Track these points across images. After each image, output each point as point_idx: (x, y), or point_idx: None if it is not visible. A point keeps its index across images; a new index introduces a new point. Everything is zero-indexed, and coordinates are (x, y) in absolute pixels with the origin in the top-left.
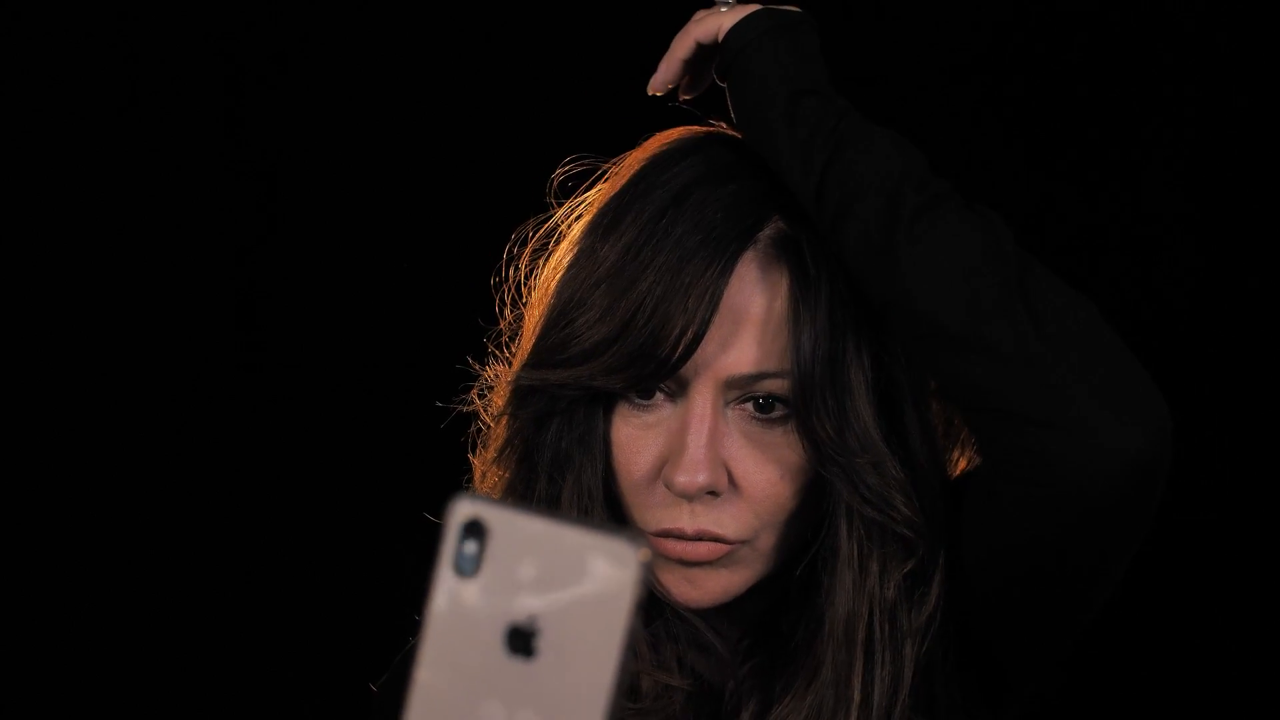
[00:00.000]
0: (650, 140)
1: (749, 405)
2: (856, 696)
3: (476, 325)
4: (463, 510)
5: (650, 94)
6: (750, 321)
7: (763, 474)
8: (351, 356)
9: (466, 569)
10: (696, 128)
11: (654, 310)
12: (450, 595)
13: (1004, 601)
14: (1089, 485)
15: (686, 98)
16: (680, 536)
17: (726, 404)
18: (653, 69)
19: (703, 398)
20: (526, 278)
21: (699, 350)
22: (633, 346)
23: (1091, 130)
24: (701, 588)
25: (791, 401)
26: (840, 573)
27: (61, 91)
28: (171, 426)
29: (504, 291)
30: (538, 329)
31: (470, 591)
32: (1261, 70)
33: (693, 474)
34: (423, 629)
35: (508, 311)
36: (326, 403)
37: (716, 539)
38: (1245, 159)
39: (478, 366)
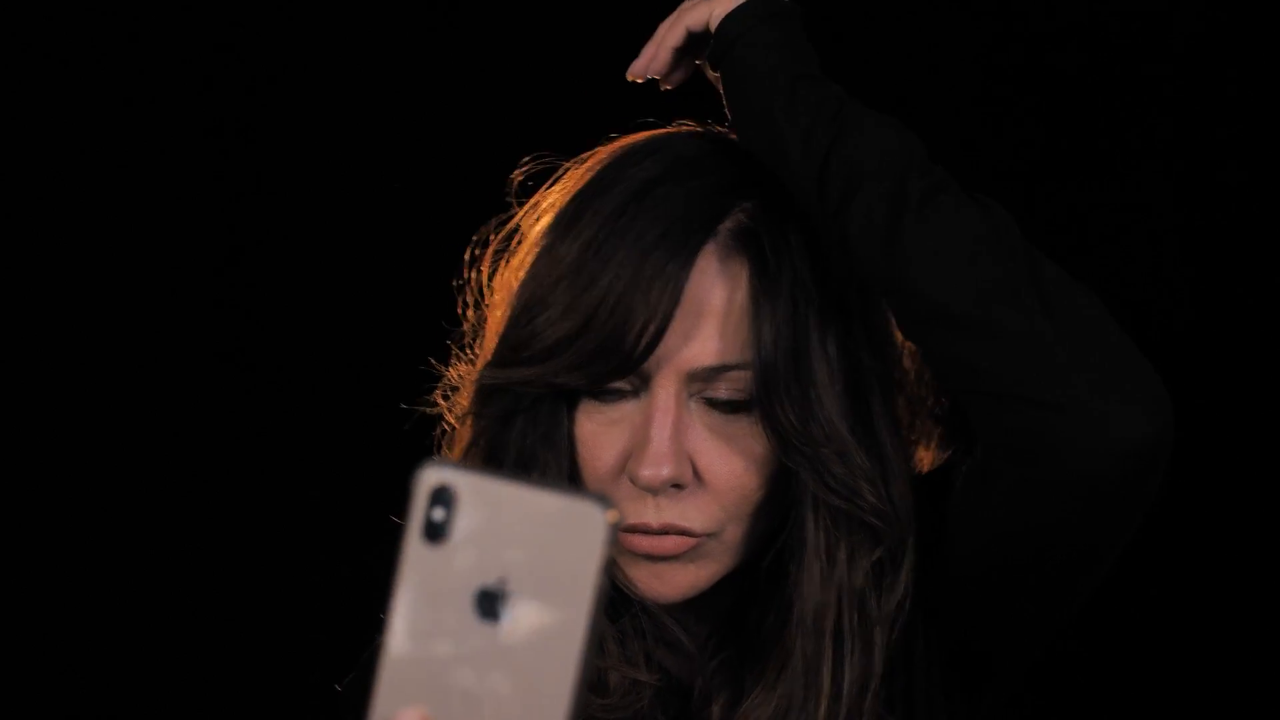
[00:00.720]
0: (614, 142)
1: (713, 395)
2: (827, 686)
3: (440, 328)
4: (430, 476)
5: (630, 80)
6: (712, 314)
7: (728, 466)
8: (315, 359)
9: (435, 535)
10: (659, 130)
11: (615, 305)
12: (419, 561)
13: (993, 590)
14: (1092, 470)
15: (667, 87)
16: (646, 531)
17: (690, 397)
18: (614, 66)
19: (665, 391)
20: (489, 279)
21: (661, 344)
22: (595, 342)
23: (1090, 132)
24: (669, 583)
25: (755, 392)
26: (808, 562)
27: (30, 92)
28: (134, 429)
29: (466, 293)
30: (500, 328)
31: (439, 557)
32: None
33: (657, 467)
34: (392, 597)
35: (470, 313)
36: (290, 406)
37: (683, 532)
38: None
39: (441, 368)
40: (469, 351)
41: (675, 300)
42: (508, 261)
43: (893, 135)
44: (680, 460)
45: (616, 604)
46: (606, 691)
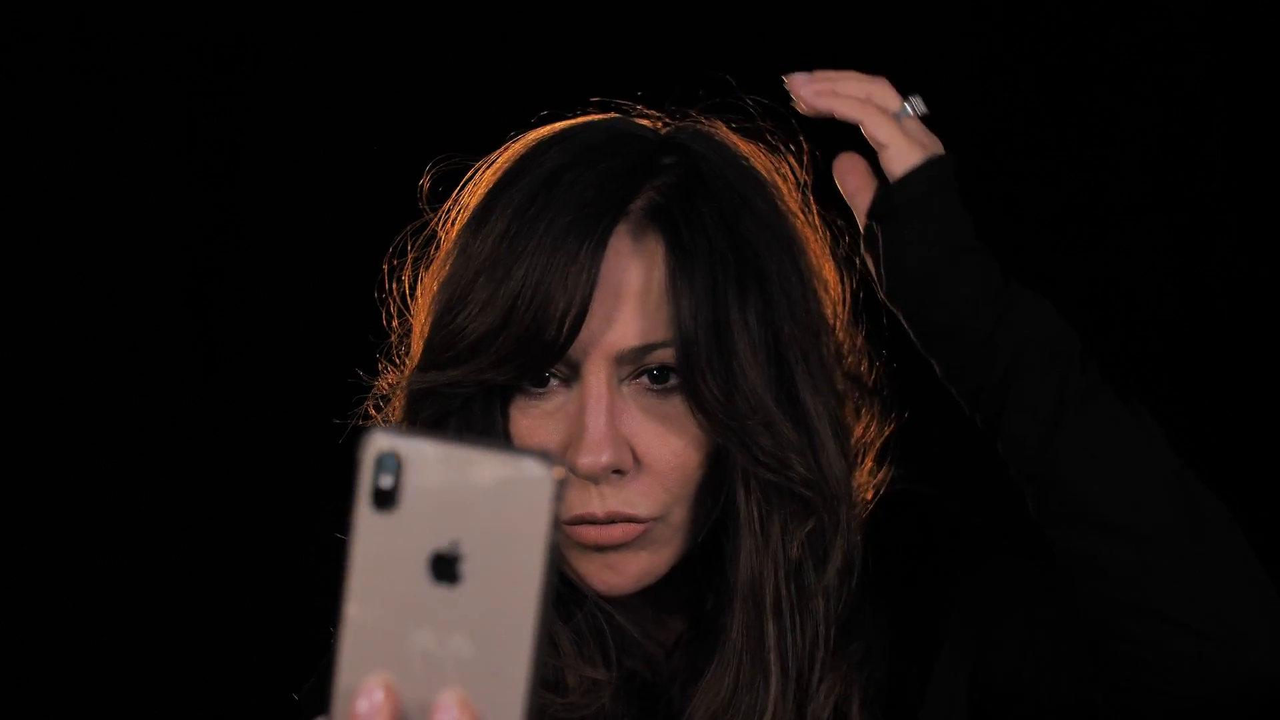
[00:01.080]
0: (522, 137)
1: (644, 379)
2: (773, 661)
3: (367, 342)
4: (376, 444)
5: (785, 79)
6: (631, 294)
7: (666, 446)
8: (242, 380)
9: (384, 502)
10: (564, 121)
11: (534, 294)
12: (371, 529)
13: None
14: (1216, 693)
15: (802, 108)
16: (593, 521)
17: (621, 380)
18: (511, 66)
19: (596, 377)
20: (411, 287)
21: (584, 329)
22: (517, 334)
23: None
24: (622, 572)
25: (678, 367)
26: (742, 537)
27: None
28: (72, 443)
29: (389, 304)
30: (424, 332)
31: (390, 524)
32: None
33: (596, 454)
34: (347, 565)
35: (395, 323)
36: (222, 429)
37: (629, 519)
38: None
39: (368, 378)
40: (397, 361)
41: (592, 284)
42: (427, 267)
43: (1054, 323)
44: (619, 445)
45: (569, 602)
46: (565, 690)
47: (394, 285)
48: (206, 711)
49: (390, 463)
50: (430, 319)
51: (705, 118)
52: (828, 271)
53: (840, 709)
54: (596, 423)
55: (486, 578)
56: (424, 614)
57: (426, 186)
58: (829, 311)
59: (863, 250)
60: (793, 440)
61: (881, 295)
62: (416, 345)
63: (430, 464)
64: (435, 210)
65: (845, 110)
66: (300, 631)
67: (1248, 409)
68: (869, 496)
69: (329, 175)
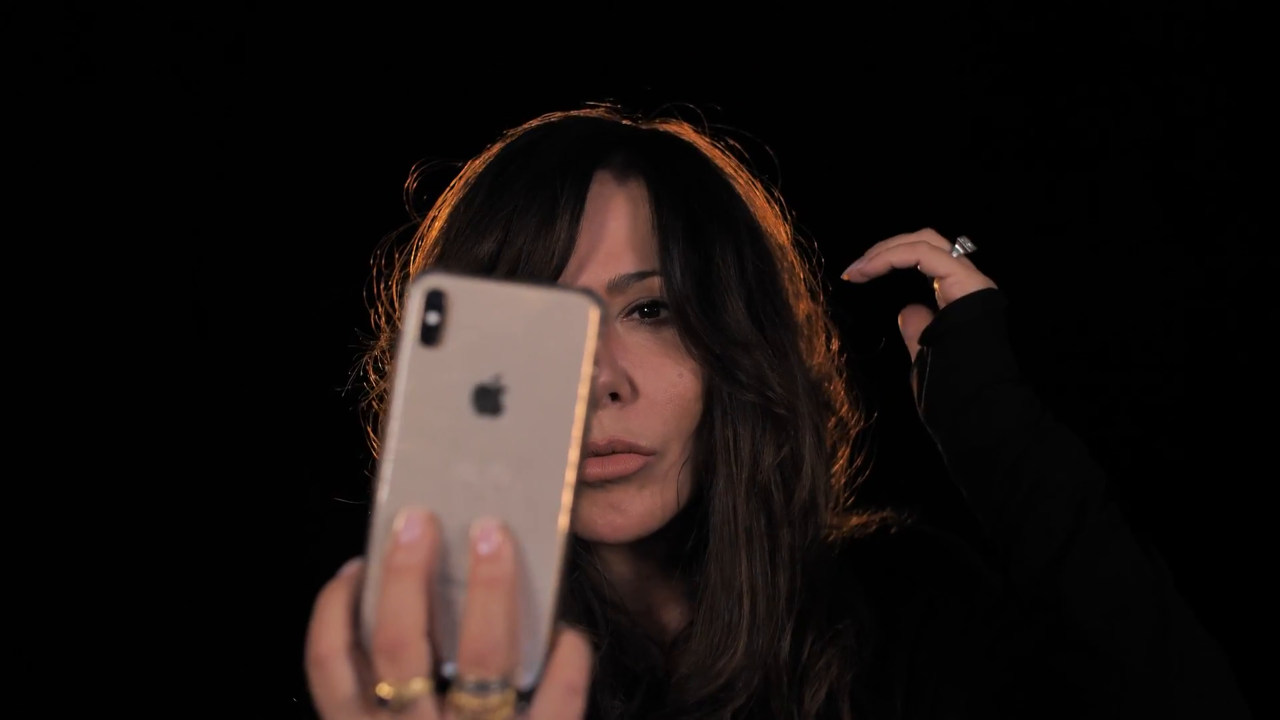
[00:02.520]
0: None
1: (635, 316)
2: (744, 587)
3: (353, 333)
4: (425, 282)
5: (845, 279)
6: (618, 226)
7: (662, 376)
8: (232, 364)
9: (430, 338)
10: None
11: (521, 228)
12: (417, 365)
13: None
14: None
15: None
16: (595, 452)
17: (616, 315)
18: (492, 71)
19: None
20: (403, 280)
21: (574, 258)
22: (506, 269)
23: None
24: (628, 513)
25: (668, 297)
26: (718, 466)
27: None
28: (66, 429)
29: (378, 305)
30: None
31: (436, 359)
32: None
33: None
34: (392, 402)
35: (383, 323)
36: (212, 416)
37: (630, 447)
38: None
39: (364, 339)
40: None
41: (578, 216)
42: (415, 261)
43: (1082, 459)
44: (615, 370)
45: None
46: None
47: (380, 288)
48: (205, 711)
49: (437, 300)
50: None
51: (667, 120)
52: (776, 228)
53: (831, 687)
54: None
55: (527, 409)
56: (466, 445)
57: (412, 189)
58: (779, 258)
59: (912, 374)
60: (771, 362)
61: (921, 417)
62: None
63: (475, 301)
64: (422, 214)
65: (901, 257)
66: (297, 626)
67: (1248, 408)
68: (872, 529)
69: (328, 175)
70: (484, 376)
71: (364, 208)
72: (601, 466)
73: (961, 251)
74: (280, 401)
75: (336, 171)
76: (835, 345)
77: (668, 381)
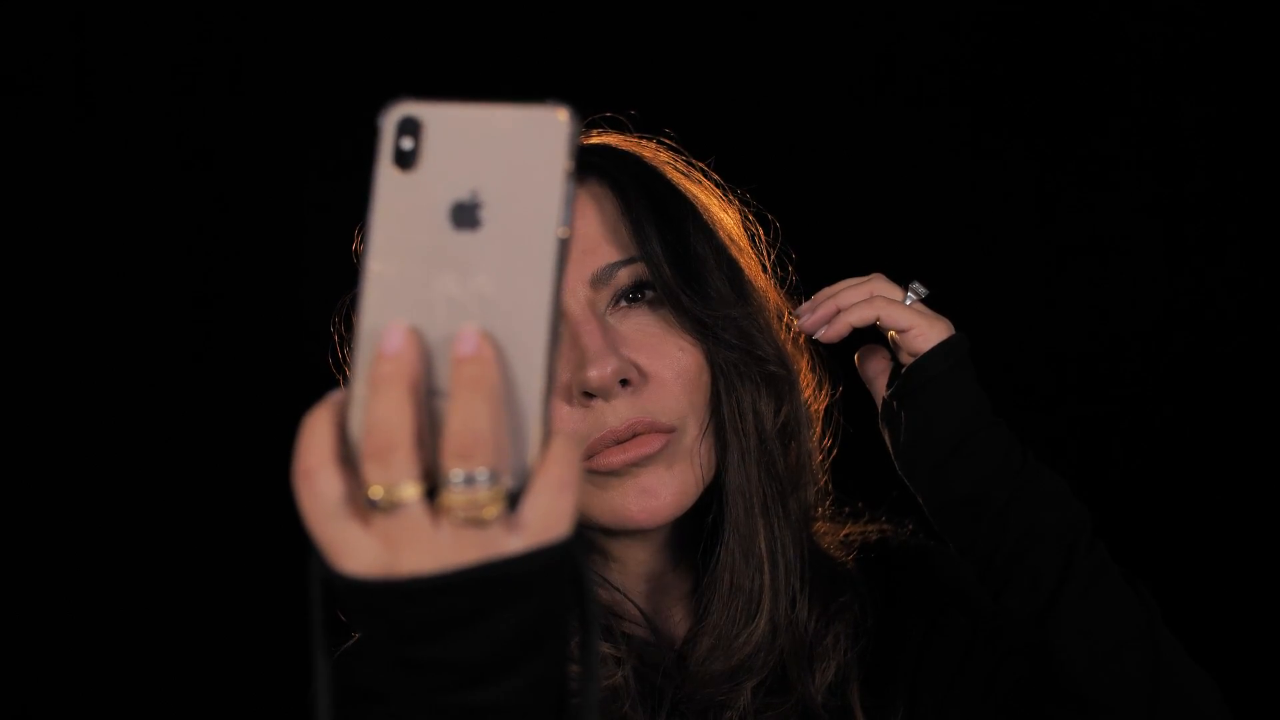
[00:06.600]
0: None
1: (623, 303)
2: (764, 555)
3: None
4: (398, 110)
5: (796, 330)
6: (589, 223)
7: (664, 355)
8: (230, 367)
9: (405, 162)
10: None
11: None
12: (392, 188)
13: None
14: None
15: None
16: (617, 441)
17: (604, 309)
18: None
19: (577, 302)
20: None
21: None
22: None
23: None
24: (658, 495)
25: (654, 279)
26: (729, 439)
27: None
28: (62, 433)
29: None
30: None
31: (411, 181)
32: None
33: (601, 366)
34: (369, 224)
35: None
36: (209, 418)
37: (650, 427)
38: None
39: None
40: None
41: None
42: None
43: (1068, 501)
44: (620, 356)
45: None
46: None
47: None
48: (205, 711)
49: (410, 125)
50: None
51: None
52: (723, 211)
53: (839, 667)
54: (593, 340)
55: (506, 220)
56: (446, 260)
57: None
58: (736, 237)
59: (881, 427)
60: (756, 324)
61: (899, 470)
62: None
63: (448, 124)
64: None
65: (860, 316)
66: (296, 624)
67: (1247, 409)
68: (872, 538)
69: (328, 175)
70: (461, 193)
71: (364, 207)
72: (626, 452)
73: (915, 298)
74: (280, 401)
75: (337, 171)
76: (793, 324)
77: (671, 358)
